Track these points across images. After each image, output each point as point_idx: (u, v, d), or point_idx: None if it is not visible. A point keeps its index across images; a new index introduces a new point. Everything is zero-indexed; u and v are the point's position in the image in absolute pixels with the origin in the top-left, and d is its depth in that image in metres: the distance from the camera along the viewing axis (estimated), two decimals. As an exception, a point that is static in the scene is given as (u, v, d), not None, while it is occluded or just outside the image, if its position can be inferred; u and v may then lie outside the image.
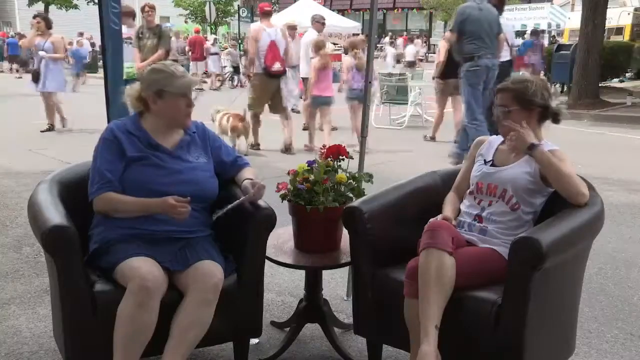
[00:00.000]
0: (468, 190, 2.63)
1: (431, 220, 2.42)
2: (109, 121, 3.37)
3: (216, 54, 19.28)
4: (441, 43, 7.84)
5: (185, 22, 35.10)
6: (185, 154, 2.56)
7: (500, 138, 2.66)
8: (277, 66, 7.63)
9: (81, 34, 23.58)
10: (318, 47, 8.07)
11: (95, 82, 15.25)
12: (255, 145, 8.24)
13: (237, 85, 18.89)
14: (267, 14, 7.92)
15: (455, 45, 6.75)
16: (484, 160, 2.62)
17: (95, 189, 2.43)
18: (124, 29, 8.46)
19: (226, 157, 2.69)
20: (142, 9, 8.25)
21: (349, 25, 20.29)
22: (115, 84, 3.49)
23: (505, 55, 7.25)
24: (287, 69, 8.04)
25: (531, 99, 2.47)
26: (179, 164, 2.52)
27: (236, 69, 19.51)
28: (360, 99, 6.96)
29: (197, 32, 20.30)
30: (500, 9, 7.02)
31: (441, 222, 2.34)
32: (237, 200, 2.47)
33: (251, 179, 2.57)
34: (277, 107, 8.06)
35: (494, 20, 6.67)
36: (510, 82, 2.58)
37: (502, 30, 6.81)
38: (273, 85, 7.87)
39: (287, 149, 8.00)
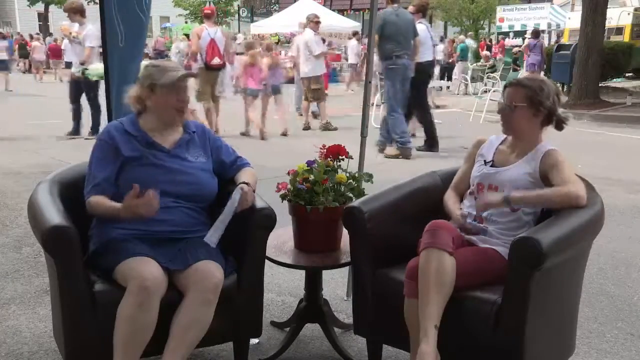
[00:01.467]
0: (468, 191, 2.63)
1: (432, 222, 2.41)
2: (109, 120, 3.37)
3: (241, 53, 18.83)
4: None
5: (186, 22, 35.12)
6: (184, 153, 2.56)
7: (499, 138, 2.66)
8: (216, 60, 8.73)
9: None
10: (249, 47, 9.69)
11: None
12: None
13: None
14: (208, 16, 9.20)
15: (378, 46, 7.40)
16: (484, 160, 2.62)
17: (86, 192, 2.45)
18: (75, 26, 8.48)
19: (226, 157, 2.69)
20: None
21: (348, 25, 20.33)
22: (121, 83, 3.47)
23: (428, 55, 8.01)
24: (226, 63, 9.11)
25: (542, 100, 2.46)
26: (178, 163, 2.52)
27: None
28: (255, 94, 9.26)
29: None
30: (423, 15, 8.21)
31: (441, 222, 2.34)
32: (223, 216, 2.40)
33: (246, 183, 2.52)
34: (213, 96, 9.06)
35: (409, 25, 7.56)
36: (525, 78, 2.57)
37: (418, 34, 7.69)
38: (213, 78, 8.93)
39: (216, 132, 8.63)
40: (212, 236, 2.38)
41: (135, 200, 2.27)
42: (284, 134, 9.30)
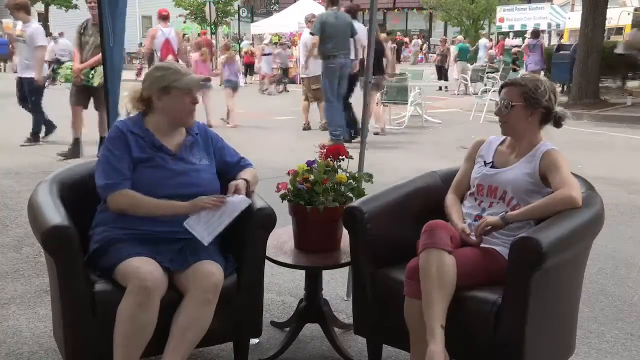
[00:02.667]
0: (469, 192, 2.63)
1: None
2: (109, 122, 3.39)
3: (269, 54, 18.65)
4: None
5: (184, 22, 35.08)
6: (189, 156, 2.56)
7: (499, 139, 2.66)
8: (169, 58, 9.07)
9: None
10: (198, 46, 11.55)
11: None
12: None
13: (282, 90, 18.00)
14: (163, 17, 9.66)
15: (318, 46, 8.22)
16: (484, 161, 2.62)
17: (113, 185, 2.41)
18: (19, 25, 8.13)
19: (230, 158, 2.70)
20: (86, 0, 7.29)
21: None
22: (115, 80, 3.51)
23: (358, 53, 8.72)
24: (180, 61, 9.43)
25: (538, 98, 2.46)
26: (182, 166, 2.52)
27: (285, 72, 18.74)
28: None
29: (204, 34, 20.00)
30: (354, 17, 8.68)
31: (439, 222, 2.34)
32: (221, 219, 2.43)
33: (245, 179, 2.58)
34: None
35: (347, 26, 8.19)
36: (521, 77, 2.57)
37: (357, 33, 8.25)
38: None
39: None
40: (209, 235, 2.38)
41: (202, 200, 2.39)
42: (226, 122, 10.48)
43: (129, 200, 2.40)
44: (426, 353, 2.11)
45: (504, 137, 2.62)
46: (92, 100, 7.23)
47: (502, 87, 2.59)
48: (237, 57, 13.43)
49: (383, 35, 10.13)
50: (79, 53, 7.07)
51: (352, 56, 8.46)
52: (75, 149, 7.39)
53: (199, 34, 26.61)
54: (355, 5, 9.28)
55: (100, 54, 6.30)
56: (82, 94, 7.22)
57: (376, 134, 9.40)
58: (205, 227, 2.38)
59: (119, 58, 3.60)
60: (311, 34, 8.73)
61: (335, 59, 8.09)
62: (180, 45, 9.52)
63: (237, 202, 2.45)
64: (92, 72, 6.93)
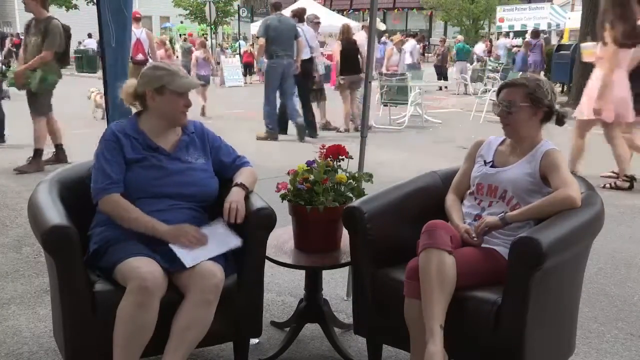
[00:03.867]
0: (468, 191, 2.63)
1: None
2: (108, 121, 3.39)
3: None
4: (335, 45, 8.84)
5: (181, 22, 35.10)
6: (184, 155, 2.56)
7: (499, 139, 2.65)
8: (139, 57, 9.77)
9: (90, 35, 23.55)
10: (202, 44, 13.38)
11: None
12: None
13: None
14: (135, 19, 9.96)
15: (264, 47, 8.91)
16: (484, 161, 2.62)
17: (101, 189, 2.42)
18: None
19: (225, 157, 2.69)
20: None
21: (348, 25, 20.24)
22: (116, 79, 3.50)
23: (306, 53, 9.28)
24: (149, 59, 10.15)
25: (541, 97, 2.47)
26: (178, 165, 2.52)
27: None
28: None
29: (190, 35, 20.03)
30: (300, 20, 9.54)
31: (439, 222, 2.34)
32: (210, 250, 2.38)
33: (242, 185, 2.54)
34: None
35: (291, 29, 8.85)
36: (522, 78, 2.58)
37: (300, 35, 8.97)
38: (137, 71, 9.79)
39: None
40: (192, 261, 2.30)
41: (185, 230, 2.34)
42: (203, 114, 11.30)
43: (112, 207, 2.41)
44: (425, 353, 2.11)
45: (504, 137, 2.62)
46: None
47: (501, 88, 2.58)
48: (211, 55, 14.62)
49: (362, 34, 10.11)
50: (23, 53, 6.58)
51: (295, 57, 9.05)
52: (58, 157, 6.90)
53: (184, 35, 26.63)
54: (301, 9, 10.19)
55: (43, 54, 6.23)
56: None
57: (338, 130, 9.74)
58: (188, 252, 2.33)
59: (121, 60, 3.58)
60: (257, 37, 9.67)
61: (279, 59, 8.76)
62: (151, 45, 10.32)
63: (228, 240, 2.42)
64: (33, 74, 6.34)
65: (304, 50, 9.19)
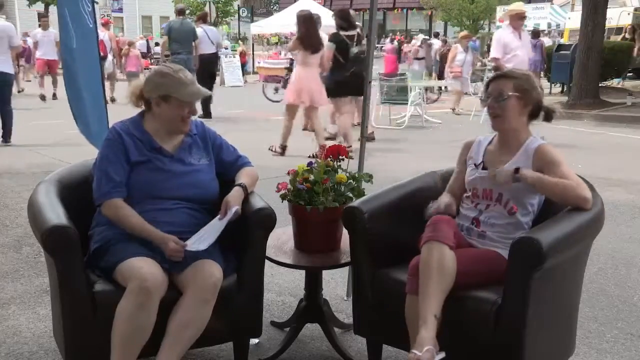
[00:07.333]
0: (465, 195, 2.61)
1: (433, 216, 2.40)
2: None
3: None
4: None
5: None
6: (187, 157, 2.56)
7: (488, 138, 2.64)
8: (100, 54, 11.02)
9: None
10: (129, 43, 14.53)
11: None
12: None
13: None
14: (103, 24, 12.56)
15: (166, 45, 10.98)
16: (474, 164, 2.60)
17: (104, 192, 2.41)
18: None
19: (227, 157, 2.69)
20: None
21: (348, 25, 20.22)
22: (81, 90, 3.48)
23: (212, 49, 11.35)
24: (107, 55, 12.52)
25: (530, 90, 2.46)
26: (181, 167, 2.52)
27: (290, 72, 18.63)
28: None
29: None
30: (204, 21, 11.95)
31: (442, 217, 2.34)
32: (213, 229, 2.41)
33: (242, 185, 2.54)
34: None
35: (190, 31, 10.89)
36: (509, 71, 2.58)
37: (197, 37, 10.88)
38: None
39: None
40: (200, 244, 2.35)
41: (177, 248, 2.30)
42: None
43: (114, 212, 2.40)
44: (416, 340, 2.10)
45: (492, 136, 2.61)
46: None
47: (490, 81, 2.56)
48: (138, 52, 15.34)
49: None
50: None
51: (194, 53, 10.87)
52: None
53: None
54: (204, 13, 13.23)
55: None
56: None
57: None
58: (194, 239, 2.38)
59: (86, 59, 3.52)
60: (161, 36, 11.29)
61: (179, 55, 10.53)
62: (114, 45, 12.84)
63: (226, 219, 2.43)
64: None
65: (206, 47, 11.06)
